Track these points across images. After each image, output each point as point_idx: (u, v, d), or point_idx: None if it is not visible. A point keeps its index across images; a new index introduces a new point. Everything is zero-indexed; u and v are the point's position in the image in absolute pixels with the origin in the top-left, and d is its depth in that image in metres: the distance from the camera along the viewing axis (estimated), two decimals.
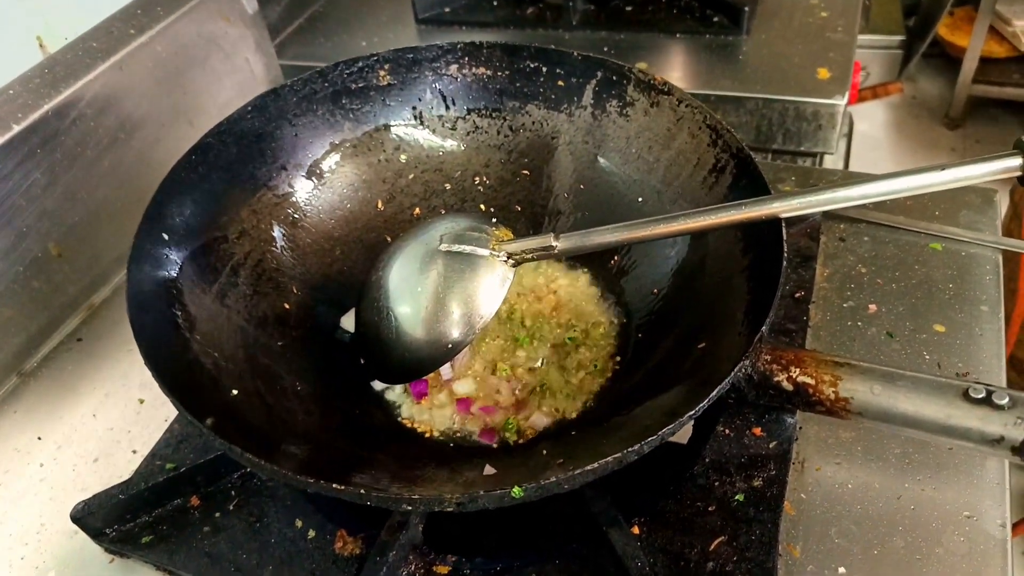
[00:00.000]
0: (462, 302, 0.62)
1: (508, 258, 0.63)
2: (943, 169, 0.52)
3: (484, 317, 0.62)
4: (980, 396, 0.47)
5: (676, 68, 1.10)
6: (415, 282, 0.64)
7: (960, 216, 0.83)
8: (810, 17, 1.15)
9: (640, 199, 0.75)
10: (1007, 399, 0.47)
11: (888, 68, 2.53)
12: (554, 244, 0.61)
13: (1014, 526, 1.34)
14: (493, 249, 0.63)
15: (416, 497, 0.48)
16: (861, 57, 2.47)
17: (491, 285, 0.62)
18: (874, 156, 2.50)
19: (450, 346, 0.63)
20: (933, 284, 0.77)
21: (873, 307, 0.75)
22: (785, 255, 0.58)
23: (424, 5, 1.24)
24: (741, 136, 1.05)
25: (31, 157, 0.78)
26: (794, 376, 0.53)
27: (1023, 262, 1.33)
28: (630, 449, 0.48)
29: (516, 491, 0.47)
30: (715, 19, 1.15)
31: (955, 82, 2.51)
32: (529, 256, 0.63)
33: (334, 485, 0.48)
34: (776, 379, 0.53)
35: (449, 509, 0.48)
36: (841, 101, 1.00)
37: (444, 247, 0.63)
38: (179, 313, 0.63)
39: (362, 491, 0.48)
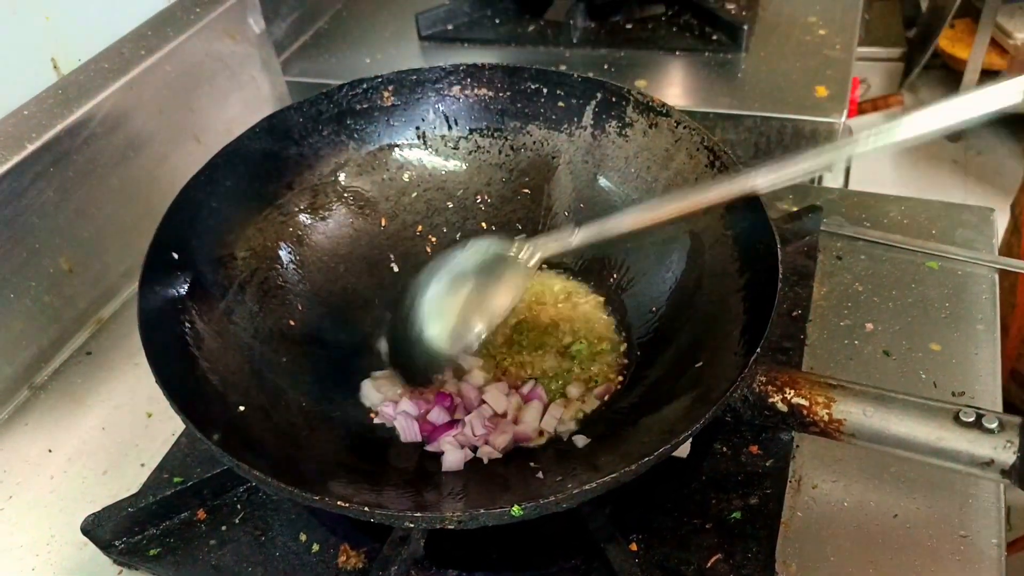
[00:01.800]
0: (484, 295, 0.66)
1: (529, 256, 0.66)
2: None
3: (504, 307, 0.66)
4: (970, 420, 0.48)
5: (675, 85, 1.12)
6: (439, 282, 0.68)
7: (957, 235, 0.84)
8: (808, 35, 1.16)
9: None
10: (996, 423, 0.48)
11: (889, 80, 2.54)
12: (571, 240, 0.64)
13: (1010, 544, 1.36)
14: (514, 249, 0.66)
15: (418, 515, 0.49)
16: (862, 69, 2.49)
17: (512, 279, 0.66)
18: (875, 168, 2.51)
19: (472, 336, 0.66)
20: (929, 303, 0.78)
21: (870, 325, 0.76)
22: (781, 276, 0.59)
23: (427, 23, 1.26)
24: (740, 153, 1.07)
25: (44, 175, 0.79)
26: (789, 397, 0.54)
27: (1022, 278, 1.34)
28: (626, 469, 0.49)
29: (516, 510, 0.48)
30: (714, 37, 1.16)
31: (956, 94, 2.52)
32: (550, 250, 0.66)
33: (339, 502, 0.50)
34: (771, 400, 0.54)
35: (450, 527, 0.49)
36: (839, 119, 1.01)
37: (468, 250, 0.68)
38: (188, 331, 0.64)
39: (365, 508, 0.49)
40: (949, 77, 2.67)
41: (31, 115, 0.80)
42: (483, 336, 0.66)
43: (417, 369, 0.70)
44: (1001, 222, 0.87)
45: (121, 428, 0.79)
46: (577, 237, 0.64)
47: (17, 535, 0.70)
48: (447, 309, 0.67)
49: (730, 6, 1.21)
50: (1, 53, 0.79)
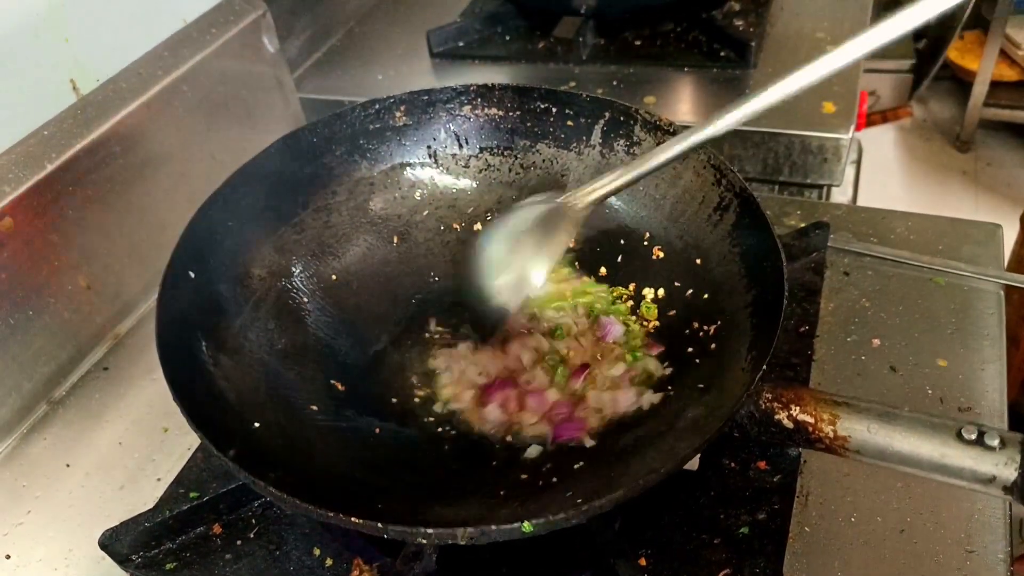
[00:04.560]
0: (540, 244, 0.67)
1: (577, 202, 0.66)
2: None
3: (558, 251, 0.67)
4: (972, 437, 0.49)
5: (684, 101, 1.13)
6: (496, 240, 0.70)
7: (963, 251, 0.85)
8: (816, 50, 1.17)
9: (648, 234, 0.78)
10: (998, 440, 0.49)
11: (899, 92, 2.55)
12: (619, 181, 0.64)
13: (1017, 559, 1.34)
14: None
15: (430, 531, 0.50)
16: (871, 81, 2.50)
17: (564, 226, 0.67)
18: (885, 179, 2.52)
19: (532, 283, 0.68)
20: (936, 318, 0.78)
21: (876, 341, 0.77)
22: (786, 294, 0.60)
23: (438, 40, 1.27)
24: (748, 169, 1.08)
25: (64, 194, 0.81)
26: (794, 414, 0.55)
27: None
28: (634, 484, 0.50)
29: (526, 526, 0.49)
30: (722, 53, 1.17)
31: (966, 105, 2.53)
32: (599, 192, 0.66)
33: (352, 518, 0.51)
34: (777, 416, 0.55)
35: (462, 543, 0.50)
36: (846, 135, 1.02)
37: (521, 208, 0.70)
38: (204, 348, 0.66)
39: (379, 524, 0.50)
40: (958, 88, 2.68)
41: (51, 135, 0.82)
42: (541, 281, 0.67)
43: (485, 325, 0.72)
44: (1009, 236, 0.87)
45: (138, 443, 0.80)
46: (623, 177, 0.64)
47: (36, 549, 0.72)
48: (507, 262, 0.69)
49: (738, 23, 1.23)
50: (22, 74, 0.81)
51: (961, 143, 2.62)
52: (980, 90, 2.46)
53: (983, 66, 2.41)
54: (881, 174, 2.52)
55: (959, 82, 2.65)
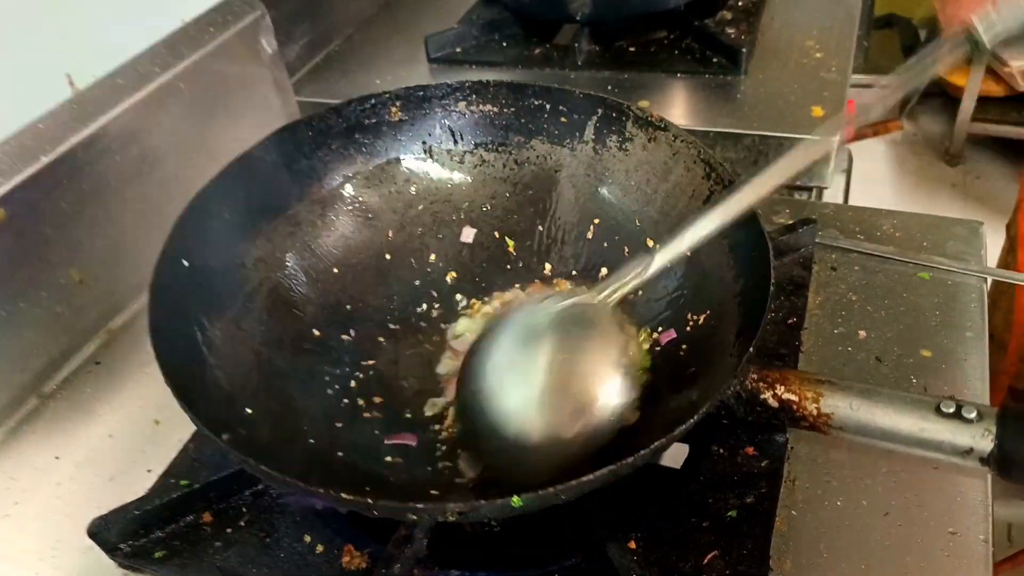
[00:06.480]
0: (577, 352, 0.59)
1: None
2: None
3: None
4: (950, 411, 0.50)
5: (677, 106, 1.14)
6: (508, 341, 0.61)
7: (947, 246, 0.86)
8: (805, 58, 1.19)
9: (639, 226, 0.79)
10: (975, 413, 0.50)
11: (889, 106, 2.58)
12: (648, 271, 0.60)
13: (1011, 558, 1.35)
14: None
15: (420, 506, 0.50)
16: (861, 96, 2.53)
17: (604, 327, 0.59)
18: (876, 191, 2.55)
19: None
20: (920, 311, 0.80)
21: (863, 333, 0.78)
22: (773, 281, 0.60)
23: (436, 45, 1.29)
24: (740, 171, 1.09)
25: (58, 188, 0.82)
26: (779, 393, 0.56)
27: (1019, 293, 1.35)
28: (624, 462, 0.51)
29: (515, 501, 0.49)
30: (714, 60, 1.19)
31: (955, 120, 2.56)
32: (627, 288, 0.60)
33: (343, 495, 0.51)
34: (763, 396, 0.56)
35: (452, 519, 0.51)
36: (834, 138, 1.03)
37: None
38: (198, 336, 0.66)
39: (368, 500, 0.51)
40: (947, 104, 2.71)
41: (46, 128, 0.82)
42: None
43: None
44: (992, 238, 0.89)
45: (129, 435, 0.80)
46: (654, 265, 0.60)
47: (23, 541, 0.71)
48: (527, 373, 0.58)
49: (730, 31, 1.25)
50: (17, 68, 0.81)
51: (950, 157, 2.65)
52: (968, 105, 2.49)
53: (970, 82, 2.45)
54: (873, 186, 2.55)
55: (948, 98, 2.69)
